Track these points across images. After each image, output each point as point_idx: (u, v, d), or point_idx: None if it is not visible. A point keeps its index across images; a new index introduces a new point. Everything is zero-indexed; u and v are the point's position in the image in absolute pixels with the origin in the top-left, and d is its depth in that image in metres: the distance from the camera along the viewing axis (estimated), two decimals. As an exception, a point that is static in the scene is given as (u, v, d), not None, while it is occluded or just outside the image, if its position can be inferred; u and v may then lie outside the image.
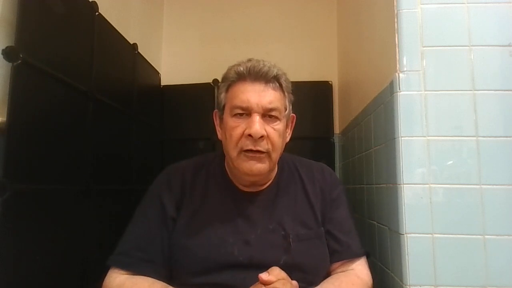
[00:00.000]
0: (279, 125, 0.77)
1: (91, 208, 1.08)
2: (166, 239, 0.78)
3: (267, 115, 0.75)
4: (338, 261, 0.82)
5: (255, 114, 0.74)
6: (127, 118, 1.41)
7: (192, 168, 0.86)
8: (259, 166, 0.75)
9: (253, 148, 0.74)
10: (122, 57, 1.41)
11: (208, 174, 0.86)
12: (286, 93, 0.80)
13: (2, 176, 0.74)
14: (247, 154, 0.75)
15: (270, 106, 0.75)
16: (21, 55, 0.80)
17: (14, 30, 0.80)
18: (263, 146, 0.75)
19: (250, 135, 0.73)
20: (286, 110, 0.80)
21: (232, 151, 0.76)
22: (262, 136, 0.74)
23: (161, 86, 1.88)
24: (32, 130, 0.85)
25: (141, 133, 1.54)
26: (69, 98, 1.01)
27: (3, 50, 0.78)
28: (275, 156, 0.78)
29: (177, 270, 0.77)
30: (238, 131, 0.75)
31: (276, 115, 0.76)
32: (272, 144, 0.76)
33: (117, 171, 1.32)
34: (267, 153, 0.76)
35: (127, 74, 1.45)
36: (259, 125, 0.73)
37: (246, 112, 0.75)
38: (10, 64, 0.78)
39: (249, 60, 0.79)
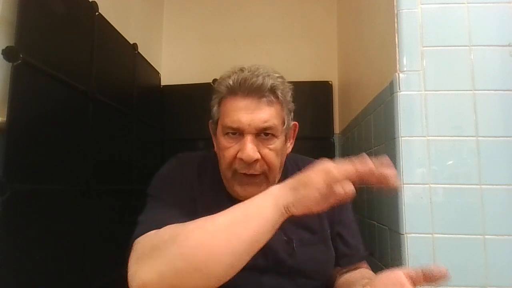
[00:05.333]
0: (275, 144, 0.70)
1: (91, 208, 1.08)
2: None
3: (262, 133, 0.69)
4: (348, 265, 0.79)
5: (248, 135, 0.68)
6: (127, 118, 1.41)
7: (197, 163, 0.81)
8: (255, 191, 0.67)
9: (247, 172, 0.69)
10: (122, 57, 1.41)
11: (211, 173, 0.81)
12: (283, 105, 0.73)
13: (2, 176, 0.74)
14: (241, 177, 0.70)
15: (264, 125, 0.68)
16: (21, 55, 0.79)
17: (14, 30, 0.80)
18: (257, 169, 0.69)
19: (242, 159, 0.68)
20: (284, 124, 0.73)
21: (226, 172, 0.72)
22: (256, 160, 0.68)
23: (161, 86, 1.88)
24: (32, 130, 0.85)
25: (141, 133, 1.54)
26: (69, 98, 1.01)
27: (3, 50, 0.77)
28: (273, 176, 0.73)
29: None
30: (230, 153, 0.70)
31: (273, 133, 0.69)
32: (268, 165, 0.70)
33: (117, 171, 1.32)
34: (264, 174, 0.71)
35: (127, 74, 1.45)
36: (251, 149, 0.67)
37: (238, 132, 0.69)
38: (10, 64, 0.78)
39: (241, 69, 0.71)
